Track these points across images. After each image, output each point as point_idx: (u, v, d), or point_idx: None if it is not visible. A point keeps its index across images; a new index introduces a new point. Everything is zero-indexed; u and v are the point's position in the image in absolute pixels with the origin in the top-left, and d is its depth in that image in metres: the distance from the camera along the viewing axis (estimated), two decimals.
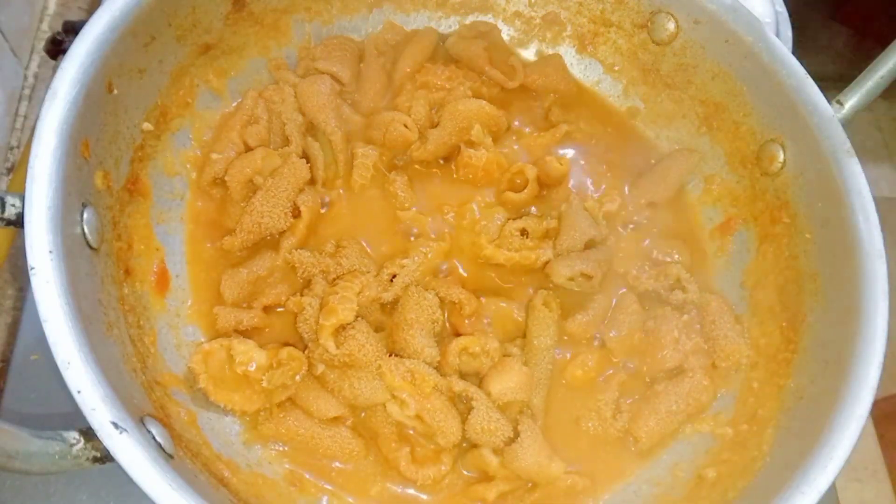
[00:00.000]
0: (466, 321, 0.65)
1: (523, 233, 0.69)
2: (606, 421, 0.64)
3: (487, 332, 0.65)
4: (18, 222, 0.47)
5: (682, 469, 0.63)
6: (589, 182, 0.75)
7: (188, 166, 0.68)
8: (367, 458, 0.61)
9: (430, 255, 0.66)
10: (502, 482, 0.60)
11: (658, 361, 0.66)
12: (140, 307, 0.59)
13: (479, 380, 0.62)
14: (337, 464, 0.60)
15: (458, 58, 0.77)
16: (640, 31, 0.76)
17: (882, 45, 0.65)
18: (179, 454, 0.49)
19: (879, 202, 0.59)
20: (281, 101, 0.70)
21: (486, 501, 0.59)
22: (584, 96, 0.80)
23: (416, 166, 0.72)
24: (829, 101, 0.64)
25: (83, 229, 0.51)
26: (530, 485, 0.61)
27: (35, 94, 0.86)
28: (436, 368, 0.61)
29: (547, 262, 0.67)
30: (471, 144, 0.71)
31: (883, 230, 0.59)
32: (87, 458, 0.44)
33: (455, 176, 0.72)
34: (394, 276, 0.65)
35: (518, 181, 0.71)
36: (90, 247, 0.52)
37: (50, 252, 0.46)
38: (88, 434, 0.44)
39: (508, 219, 0.69)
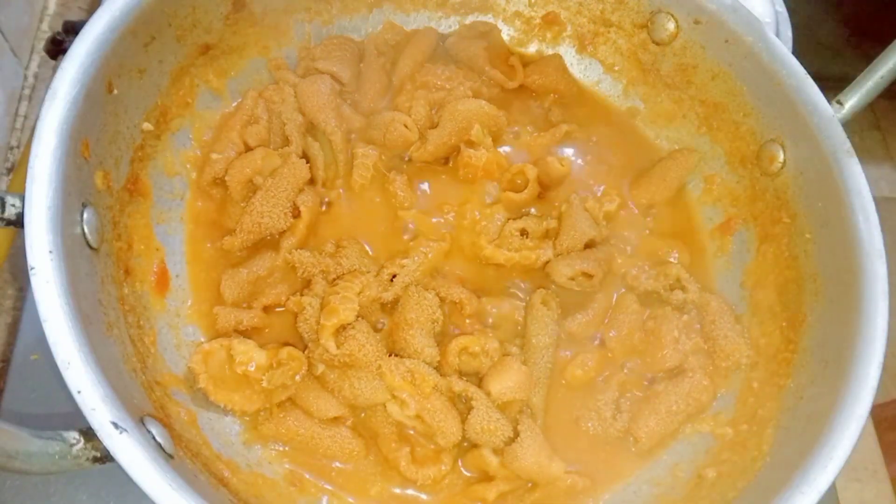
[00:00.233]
0: (466, 321, 0.65)
1: (523, 233, 0.69)
2: (606, 421, 0.64)
3: (487, 331, 0.65)
4: (18, 222, 0.47)
5: (682, 469, 0.63)
6: (589, 182, 0.75)
7: (188, 166, 0.68)
8: (367, 458, 0.61)
9: (430, 255, 0.66)
10: (502, 482, 0.60)
11: (658, 361, 0.66)
12: (140, 307, 0.59)
13: (478, 379, 0.62)
14: (337, 464, 0.60)
15: (458, 58, 0.77)
16: (640, 31, 0.76)
17: (882, 45, 0.65)
18: (179, 454, 0.49)
19: (879, 202, 0.59)
20: (281, 101, 0.70)
21: (486, 501, 0.59)
22: (584, 96, 0.80)
23: (417, 166, 0.72)
24: (829, 101, 0.64)
25: (83, 229, 0.51)
26: (530, 485, 0.61)
27: (35, 94, 0.86)
28: (436, 368, 0.61)
29: (547, 262, 0.67)
30: (471, 144, 0.71)
31: (883, 230, 0.59)
32: (87, 458, 0.44)
33: (455, 176, 0.72)
34: (394, 276, 0.65)
35: (518, 181, 0.71)
36: (90, 247, 0.52)
37: (50, 252, 0.46)
38: (88, 434, 0.44)
39: (508, 219, 0.69)
